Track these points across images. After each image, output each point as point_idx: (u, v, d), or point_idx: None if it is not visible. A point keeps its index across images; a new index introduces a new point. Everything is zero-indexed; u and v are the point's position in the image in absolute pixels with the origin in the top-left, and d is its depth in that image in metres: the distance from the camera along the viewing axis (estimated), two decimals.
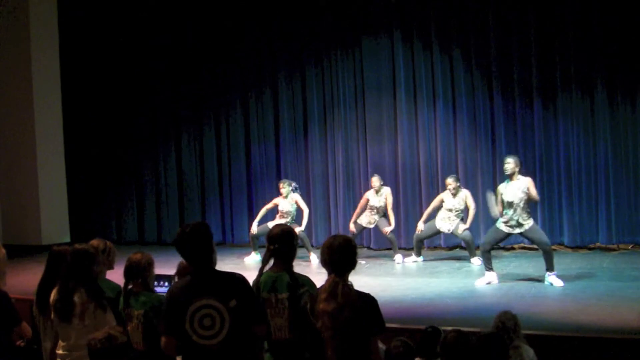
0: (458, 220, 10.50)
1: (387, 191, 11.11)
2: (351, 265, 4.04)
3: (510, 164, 8.78)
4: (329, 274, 4.02)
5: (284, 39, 12.83)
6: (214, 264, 4.01)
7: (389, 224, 11.03)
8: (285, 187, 11.29)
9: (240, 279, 3.97)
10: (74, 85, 13.95)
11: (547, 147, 11.29)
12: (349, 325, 3.85)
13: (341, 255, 4.01)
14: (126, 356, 4.04)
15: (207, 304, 3.81)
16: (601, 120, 11.03)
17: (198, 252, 3.92)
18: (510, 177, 8.78)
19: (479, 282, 8.99)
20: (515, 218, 8.72)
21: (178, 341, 3.88)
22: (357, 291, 3.99)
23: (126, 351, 4.04)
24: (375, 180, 11.06)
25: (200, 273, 3.92)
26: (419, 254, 10.90)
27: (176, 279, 5.53)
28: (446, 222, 10.56)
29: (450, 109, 11.86)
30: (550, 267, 8.75)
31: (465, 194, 10.53)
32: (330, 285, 3.94)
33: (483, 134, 11.68)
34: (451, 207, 10.50)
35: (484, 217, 11.60)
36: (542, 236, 8.85)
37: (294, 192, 11.35)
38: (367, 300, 3.96)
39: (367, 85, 12.34)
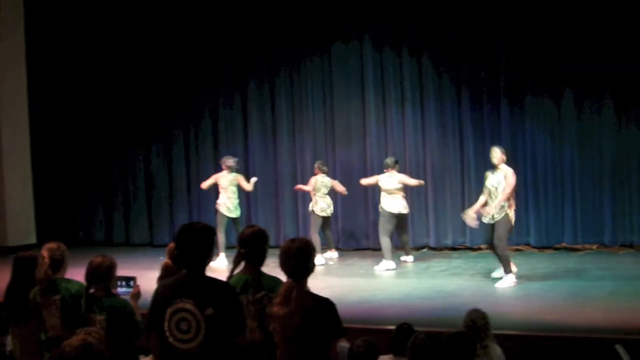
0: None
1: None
2: (308, 270, 3.97)
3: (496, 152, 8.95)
4: (287, 278, 3.97)
5: (254, 42, 12.75)
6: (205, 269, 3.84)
7: None
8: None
9: (225, 288, 3.84)
10: (41, 84, 13.73)
11: (514, 149, 11.36)
12: (301, 331, 3.80)
13: (298, 259, 3.94)
14: None
15: (185, 308, 3.68)
16: (567, 123, 11.19)
17: (193, 254, 3.78)
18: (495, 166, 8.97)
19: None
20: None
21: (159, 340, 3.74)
22: (314, 296, 3.93)
23: None
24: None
25: (188, 275, 3.79)
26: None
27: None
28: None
29: (418, 112, 11.93)
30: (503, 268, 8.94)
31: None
32: (286, 290, 3.89)
33: (451, 136, 11.77)
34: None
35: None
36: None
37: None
38: (324, 305, 3.89)
39: (335, 88, 12.36)
